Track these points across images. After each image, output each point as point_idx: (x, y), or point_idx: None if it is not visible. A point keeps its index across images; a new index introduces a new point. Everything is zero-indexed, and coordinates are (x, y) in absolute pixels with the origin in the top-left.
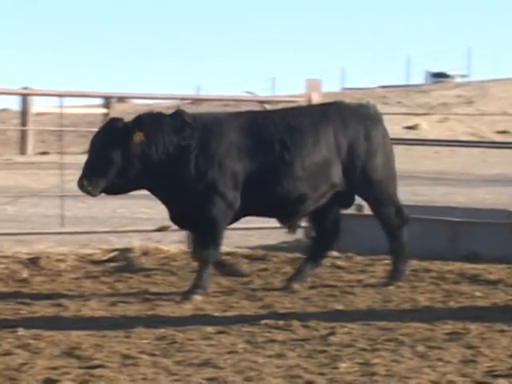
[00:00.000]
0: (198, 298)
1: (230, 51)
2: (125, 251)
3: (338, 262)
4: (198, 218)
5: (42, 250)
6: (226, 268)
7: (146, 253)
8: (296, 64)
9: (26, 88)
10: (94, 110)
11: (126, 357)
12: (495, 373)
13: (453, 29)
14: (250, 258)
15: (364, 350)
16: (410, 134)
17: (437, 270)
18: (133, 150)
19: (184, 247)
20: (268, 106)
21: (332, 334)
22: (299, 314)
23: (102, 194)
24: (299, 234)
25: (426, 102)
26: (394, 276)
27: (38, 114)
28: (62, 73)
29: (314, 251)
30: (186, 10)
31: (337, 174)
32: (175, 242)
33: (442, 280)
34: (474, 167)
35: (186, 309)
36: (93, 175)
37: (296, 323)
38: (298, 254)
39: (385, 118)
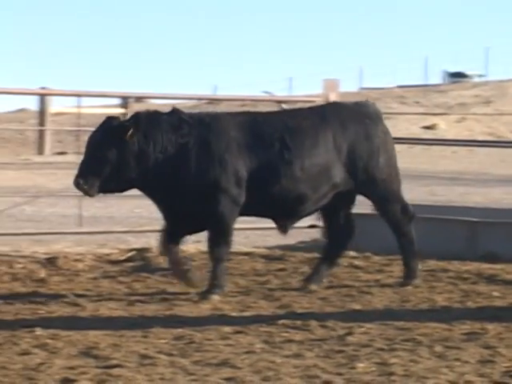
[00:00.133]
0: (215, 297)
1: (247, 51)
2: (142, 251)
3: (356, 262)
4: (199, 216)
5: (60, 250)
6: (179, 270)
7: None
8: (313, 64)
9: (43, 88)
10: (112, 109)
11: (144, 357)
12: None
13: (471, 29)
14: (268, 257)
15: (382, 349)
16: (428, 134)
17: (454, 270)
18: (130, 149)
19: (202, 247)
20: (285, 106)
21: (350, 333)
22: (317, 313)
23: (119, 194)
24: (317, 234)
25: (443, 101)
26: (408, 275)
27: (56, 114)
28: (79, 73)
29: (329, 251)
30: (205, 10)
31: (338, 175)
32: (193, 241)
33: (459, 280)
34: (492, 167)
35: (204, 309)
36: (89, 174)
37: (314, 323)
38: (315, 254)
39: (403, 117)
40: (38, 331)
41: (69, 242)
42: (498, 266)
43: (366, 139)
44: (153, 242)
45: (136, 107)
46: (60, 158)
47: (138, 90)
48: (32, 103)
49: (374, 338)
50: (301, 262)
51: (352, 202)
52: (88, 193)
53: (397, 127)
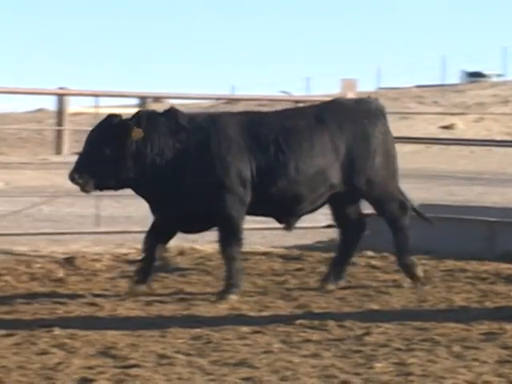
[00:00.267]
0: (233, 297)
1: (265, 51)
2: None
3: (373, 262)
4: (199, 217)
5: (78, 250)
6: (139, 271)
7: (181, 252)
8: (331, 64)
9: (61, 88)
10: (130, 110)
11: (162, 356)
12: None
13: (489, 28)
14: (286, 257)
15: (399, 349)
16: (446, 134)
17: (473, 269)
18: (129, 148)
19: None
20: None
21: (367, 333)
22: (334, 313)
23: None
24: (334, 234)
25: (461, 101)
26: (407, 272)
27: (74, 114)
28: (97, 73)
29: (341, 251)
30: (223, 10)
31: (335, 176)
32: (210, 241)
33: (477, 280)
34: (510, 167)
35: (222, 308)
36: (85, 170)
37: (331, 323)
38: (333, 254)
39: (420, 117)
40: (57, 331)
41: (87, 242)
42: None
43: (364, 139)
44: (170, 241)
45: (154, 107)
46: None
47: (156, 90)
48: (50, 103)
49: (392, 338)
50: (318, 261)
51: (356, 201)
52: (83, 188)
53: (415, 127)
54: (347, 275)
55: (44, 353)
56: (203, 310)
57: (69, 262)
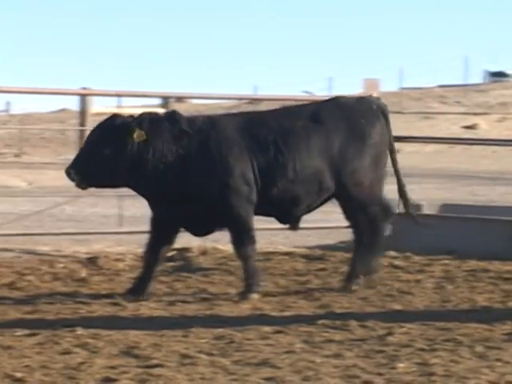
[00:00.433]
0: (255, 296)
1: (288, 51)
2: (183, 251)
3: (396, 262)
4: (203, 218)
5: (101, 250)
6: (141, 277)
7: (204, 252)
8: (353, 63)
9: (84, 88)
10: (153, 109)
11: (184, 356)
12: None
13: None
14: (308, 257)
15: (422, 350)
16: (469, 134)
17: (495, 270)
18: (129, 149)
19: None
20: None
21: (390, 333)
22: (357, 313)
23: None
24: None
25: (484, 101)
26: (365, 273)
27: (97, 114)
28: (120, 73)
29: (357, 251)
30: (247, 11)
31: (330, 177)
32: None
33: (500, 280)
34: None
35: (244, 308)
36: (82, 166)
37: (353, 323)
38: None
39: (443, 117)
40: (79, 331)
41: (109, 242)
42: None
43: (359, 140)
44: (193, 241)
45: (176, 107)
46: None
47: (179, 90)
48: (73, 103)
49: (415, 338)
50: (341, 261)
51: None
52: (78, 184)
53: (437, 127)
54: (372, 276)
55: (67, 352)
56: (226, 309)
57: (92, 261)
